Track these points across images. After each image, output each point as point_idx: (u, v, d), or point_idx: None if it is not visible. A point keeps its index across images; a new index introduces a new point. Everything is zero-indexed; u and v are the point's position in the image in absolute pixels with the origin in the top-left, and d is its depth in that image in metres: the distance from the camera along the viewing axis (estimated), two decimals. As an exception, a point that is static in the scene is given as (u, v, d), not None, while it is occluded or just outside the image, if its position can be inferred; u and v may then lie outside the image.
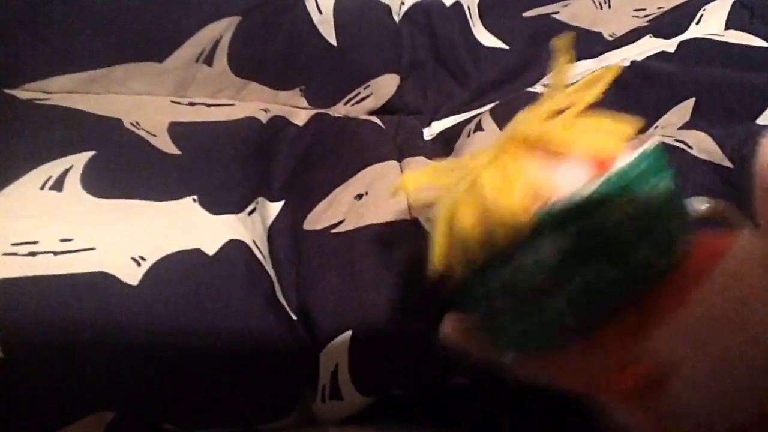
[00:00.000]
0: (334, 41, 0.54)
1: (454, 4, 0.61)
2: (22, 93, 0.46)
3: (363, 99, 0.56)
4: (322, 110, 0.55)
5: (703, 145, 0.43)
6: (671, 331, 0.27)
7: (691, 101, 0.50)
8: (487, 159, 0.30)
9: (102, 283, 0.37)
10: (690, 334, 0.26)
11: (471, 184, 0.30)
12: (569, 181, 0.28)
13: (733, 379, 0.26)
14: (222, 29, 0.50)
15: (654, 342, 0.27)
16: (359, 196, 0.46)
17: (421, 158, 0.49)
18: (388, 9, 0.57)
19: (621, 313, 0.28)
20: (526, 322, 0.29)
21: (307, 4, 0.53)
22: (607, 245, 0.27)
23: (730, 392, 0.26)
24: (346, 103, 0.56)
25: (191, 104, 0.51)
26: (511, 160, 0.29)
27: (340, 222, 0.45)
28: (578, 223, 0.27)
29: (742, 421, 0.26)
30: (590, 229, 0.27)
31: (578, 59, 0.61)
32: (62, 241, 0.38)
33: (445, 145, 0.53)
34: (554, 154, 0.30)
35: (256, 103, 0.53)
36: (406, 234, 0.44)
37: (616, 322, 0.28)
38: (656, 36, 0.61)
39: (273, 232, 0.46)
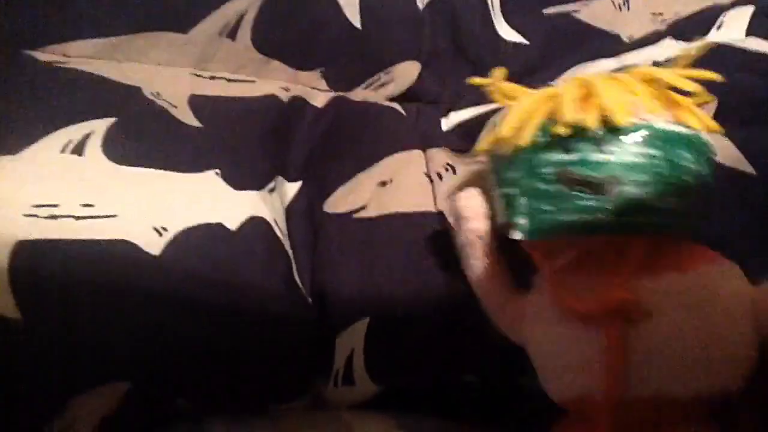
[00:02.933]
0: (358, 24, 0.53)
1: (477, -4, 0.61)
2: (42, 55, 0.45)
3: (383, 84, 0.55)
4: (341, 93, 0.55)
5: (726, 151, 0.43)
6: (660, 284, 0.31)
7: (713, 106, 0.50)
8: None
9: (124, 250, 0.37)
10: (674, 294, 0.31)
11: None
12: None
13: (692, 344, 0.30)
14: (247, 4, 0.49)
15: (642, 285, 0.31)
16: (383, 183, 0.46)
17: (445, 149, 0.49)
18: (413, -5, 0.57)
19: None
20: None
21: None
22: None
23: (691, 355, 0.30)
24: (366, 88, 0.55)
25: (212, 78, 0.50)
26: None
27: (362, 207, 0.45)
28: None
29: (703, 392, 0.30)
30: None
31: (597, 58, 0.61)
32: (83, 206, 0.38)
33: (466, 136, 0.52)
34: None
35: (277, 81, 0.53)
36: (430, 225, 0.43)
37: (630, 248, 0.32)
38: (677, 39, 0.61)
39: (290, 212, 0.46)
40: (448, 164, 0.47)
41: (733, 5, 0.63)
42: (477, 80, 0.41)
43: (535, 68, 0.61)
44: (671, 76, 0.35)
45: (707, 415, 0.32)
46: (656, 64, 0.57)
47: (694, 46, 0.40)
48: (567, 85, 0.34)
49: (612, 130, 0.32)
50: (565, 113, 0.32)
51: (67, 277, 0.35)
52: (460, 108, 0.58)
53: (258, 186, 0.45)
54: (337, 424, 0.40)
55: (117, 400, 0.37)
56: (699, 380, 0.30)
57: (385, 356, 0.42)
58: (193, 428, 0.38)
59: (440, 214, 0.44)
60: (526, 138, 0.33)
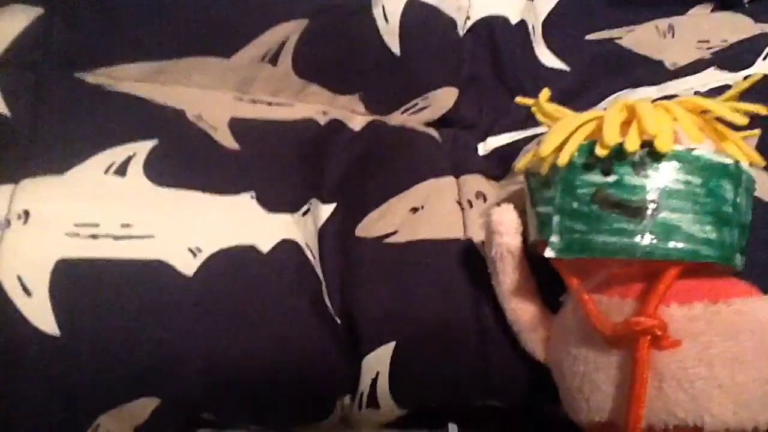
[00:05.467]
0: (397, 51, 0.54)
1: (519, 22, 0.61)
2: (91, 77, 0.47)
3: (421, 109, 0.56)
4: (379, 117, 0.55)
5: (766, 186, 0.43)
6: (690, 311, 0.32)
7: (755, 138, 0.49)
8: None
9: (159, 271, 0.38)
10: (704, 322, 0.31)
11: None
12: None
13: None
14: (289, 30, 0.50)
15: (673, 312, 0.32)
16: (414, 210, 0.46)
17: (478, 176, 0.50)
18: (453, 23, 0.57)
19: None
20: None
21: (374, 12, 0.53)
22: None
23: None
24: (403, 112, 0.56)
25: (252, 101, 0.51)
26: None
27: (393, 233, 0.45)
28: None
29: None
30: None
31: (639, 86, 0.61)
32: (123, 226, 0.39)
33: (501, 162, 0.53)
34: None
35: (315, 105, 0.53)
36: (460, 253, 0.44)
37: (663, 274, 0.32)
38: (720, 68, 0.60)
39: (323, 235, 0.46)
40: (479, 192, 0.47)
41: (780, 34, 0.62)
42: (522, 100, 0.41)
43: (574, 94, 0.61)
44: (719, 107, 0.34)
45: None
46: (698, 93, 0.56)
47: (743, 78, 0.39)
48: (610, 108, 0.34)
49: (652, 155, 0.32)
50: (607, 135, 0.32)
51: (104, 296, 0.37)
52: (497, 133, 0.58)
53: (293, 208, 0.46)
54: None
55: (148, 414, 0.38)
56: (727, 411, 0.30)
57: (411, 380, 0.43)
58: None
59: (469, 242, 0.44)
60: (565, 157, 0.33)
